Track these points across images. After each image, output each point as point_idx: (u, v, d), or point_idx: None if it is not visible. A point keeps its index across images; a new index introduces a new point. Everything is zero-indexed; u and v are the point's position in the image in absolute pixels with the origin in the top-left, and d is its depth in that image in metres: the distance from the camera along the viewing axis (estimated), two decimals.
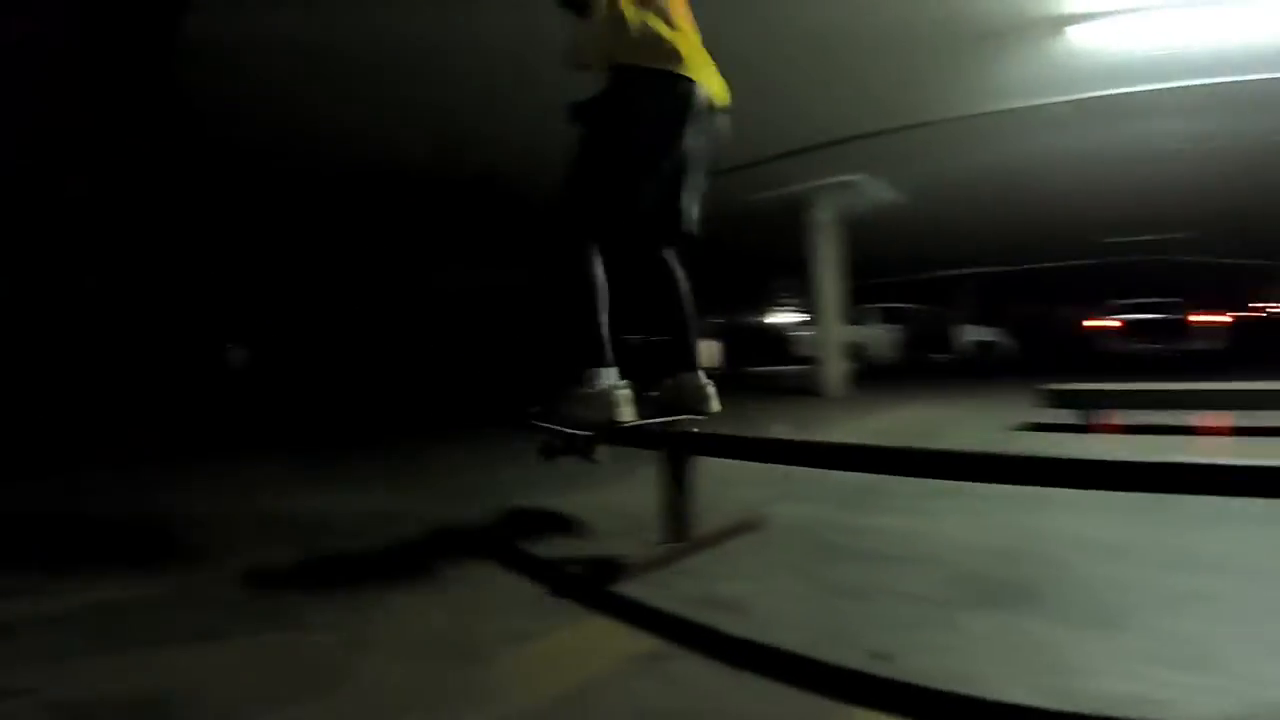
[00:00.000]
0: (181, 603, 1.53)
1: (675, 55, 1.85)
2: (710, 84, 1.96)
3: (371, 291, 14.13)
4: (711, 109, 1.96)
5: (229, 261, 11.30)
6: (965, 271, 16.42)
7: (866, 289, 13.48)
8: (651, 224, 2.04)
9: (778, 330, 23.62)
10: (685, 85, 1.85)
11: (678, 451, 1.70)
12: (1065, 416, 4.01)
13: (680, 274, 2.11)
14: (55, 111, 5.05)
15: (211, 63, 4.55)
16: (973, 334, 14.81)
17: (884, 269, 14.30)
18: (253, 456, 4.08)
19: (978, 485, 2.14)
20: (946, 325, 14.86)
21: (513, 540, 2.00)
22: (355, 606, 1.48)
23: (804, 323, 17.01)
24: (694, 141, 1.92)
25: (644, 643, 1.30)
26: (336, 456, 4.11)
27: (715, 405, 1.97)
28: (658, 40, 1.84)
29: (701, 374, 2.00)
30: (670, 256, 2.12)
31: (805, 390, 8.35)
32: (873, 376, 9.80)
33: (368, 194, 8.01)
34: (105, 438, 5.09)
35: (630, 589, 1.56)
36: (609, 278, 1.95)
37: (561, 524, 2.21)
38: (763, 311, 24.56)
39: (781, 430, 3.94)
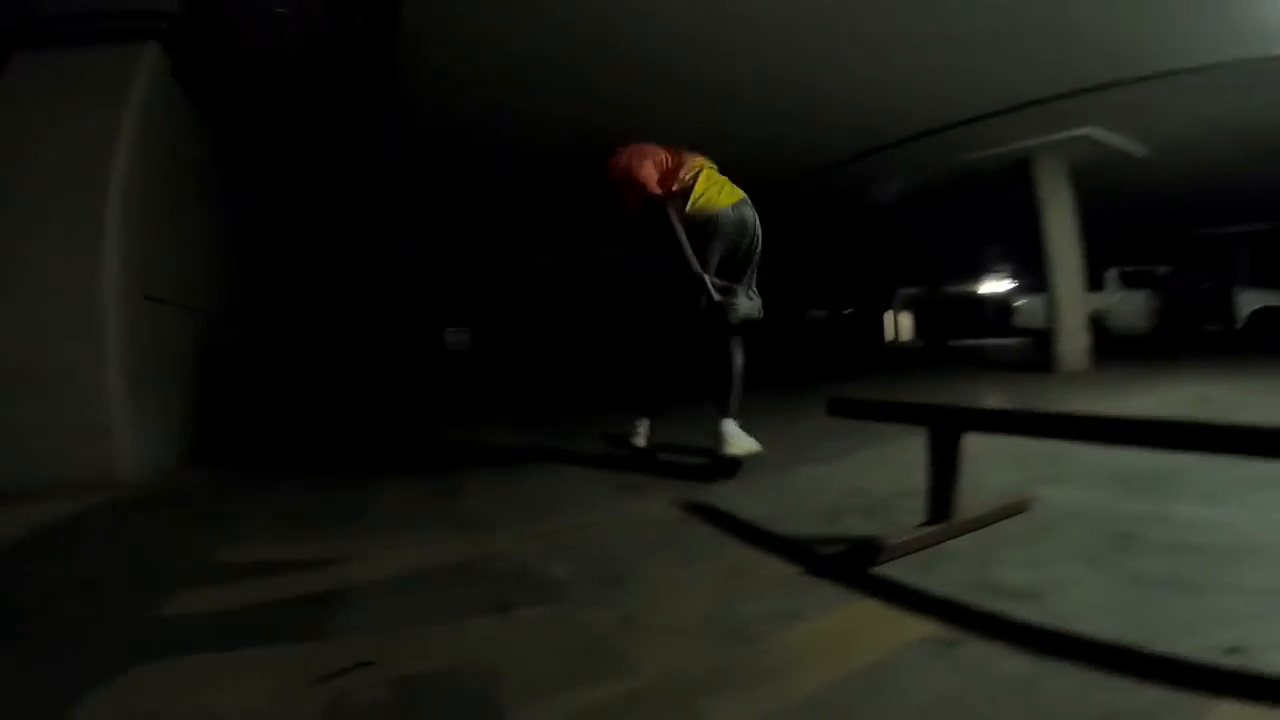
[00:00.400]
0: (474, 572, 1.69)
1: (715, 204, 2.68)
2: (731, 198, 2.72)
3: (572, 277, 15.12)
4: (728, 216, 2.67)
5: (451, 255, 12.71)
6: (1245, 228, 13.21)
7: (1106, 250, 11.54)
8: (710, 318, 2.61)
9: (991, 300, 21.41)
10: (722, 213, 2.67)
11: (948, 426, 1.58)
12: None
13: (735, 355, 2.70)
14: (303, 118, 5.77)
15: (430, 65, 4.96)
16: (1252, 300, 11.86)
17: (1133, 227, 12.12)
18: (500, 426, 4.54)
19: None
20: (1215, 290, 12.08)
21: (753, 515, 2.01)
22: (619, 582, 1.56)
23: (1022, 290, 15.24)
24: (734, 245, 2.69)
25: (923, 627, 1.23)
26: (573, 428, 4.39)
27: (726, 450, 2.52)
28: (714, 202, 2.69)
29: (727, 423, 2.57)
30: (733, 341, 2.70)
31: (1031, 365, 7.51)
32: (1116, 350, 8.52)
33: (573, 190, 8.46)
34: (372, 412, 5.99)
35: (891, 571, 1.49)
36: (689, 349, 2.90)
37: (796, 500, 2.19)
38: (972, 280, 22.38)
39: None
